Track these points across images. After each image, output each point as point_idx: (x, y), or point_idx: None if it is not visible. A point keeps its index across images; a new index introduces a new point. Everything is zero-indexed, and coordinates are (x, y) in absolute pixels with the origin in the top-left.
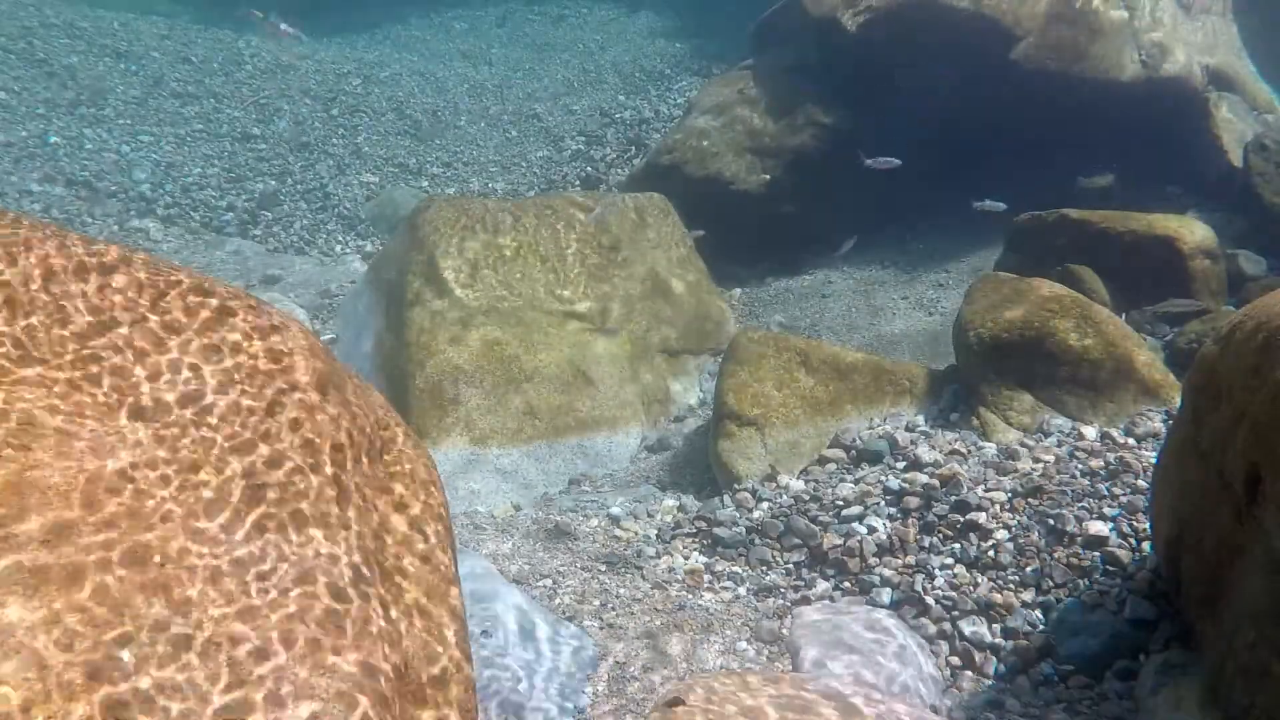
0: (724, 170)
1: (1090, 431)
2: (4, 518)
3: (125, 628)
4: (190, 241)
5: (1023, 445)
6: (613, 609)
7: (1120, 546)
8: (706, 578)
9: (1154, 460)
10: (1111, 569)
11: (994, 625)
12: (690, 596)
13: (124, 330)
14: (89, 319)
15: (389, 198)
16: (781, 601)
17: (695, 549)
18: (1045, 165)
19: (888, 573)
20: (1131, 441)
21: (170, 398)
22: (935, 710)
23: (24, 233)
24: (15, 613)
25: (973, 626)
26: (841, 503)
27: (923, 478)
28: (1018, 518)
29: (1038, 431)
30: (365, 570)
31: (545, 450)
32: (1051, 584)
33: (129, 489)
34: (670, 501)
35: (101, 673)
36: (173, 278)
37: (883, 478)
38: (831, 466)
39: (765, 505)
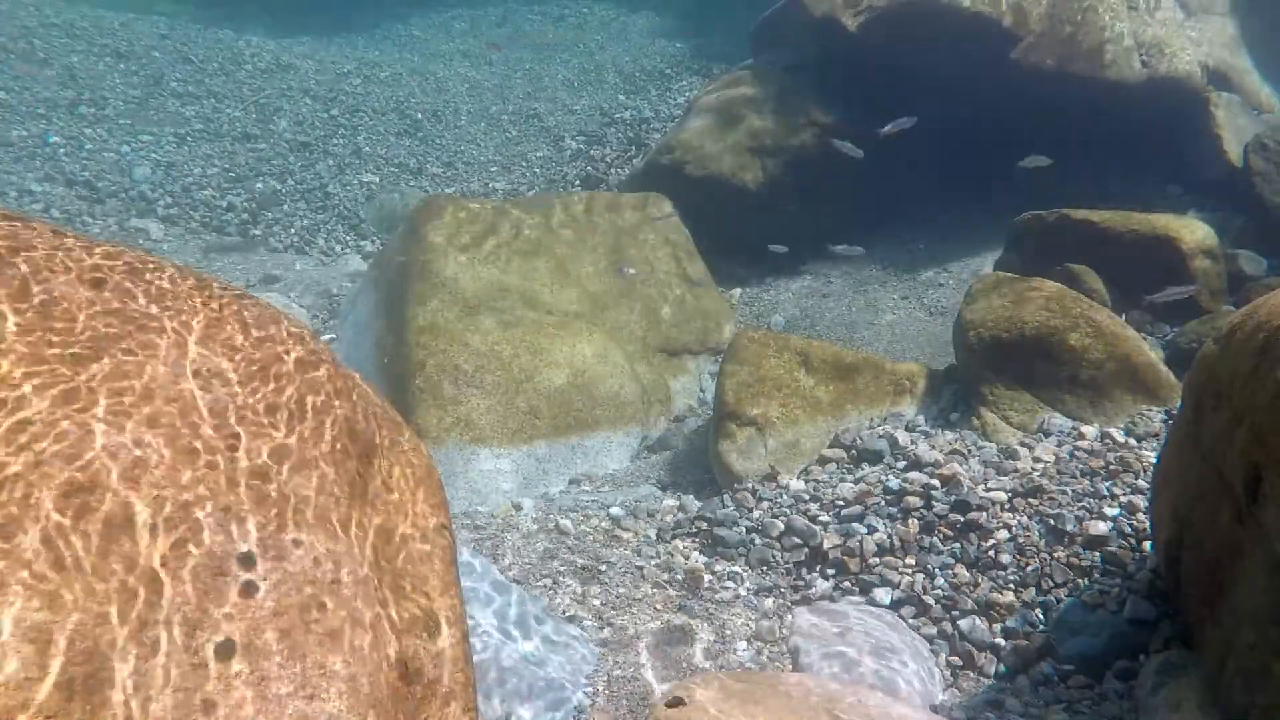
0: (724, 170)
1: (1090, 431)
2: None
3: (114, 621)
4: (190, 241)
5: (1023, 445)
6: (612, 609)
7: (1120, 546)
8: (706, 578)
9: (1154, 460)
10: (1111, 569)
11: (994, 625)
12: (690, 596)
13: (135, 326)
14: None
15: (389, 198)
16: (781, 601)
17: (695, 549)
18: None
19: (888, 572)
20: (1131, 441)
21: (177, 394)
22: (935, 710)
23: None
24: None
25: (973, 626)
26: (841, 502)
27: (923, 478)
28: (1018, 517)
29: (1038, 431)
30: (366, 571)
31: (545, 450)
32: (1051, 584)
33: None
34: (670, 501)
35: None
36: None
37: (883, 477)
38: (832, 466)
39: (765, 505)
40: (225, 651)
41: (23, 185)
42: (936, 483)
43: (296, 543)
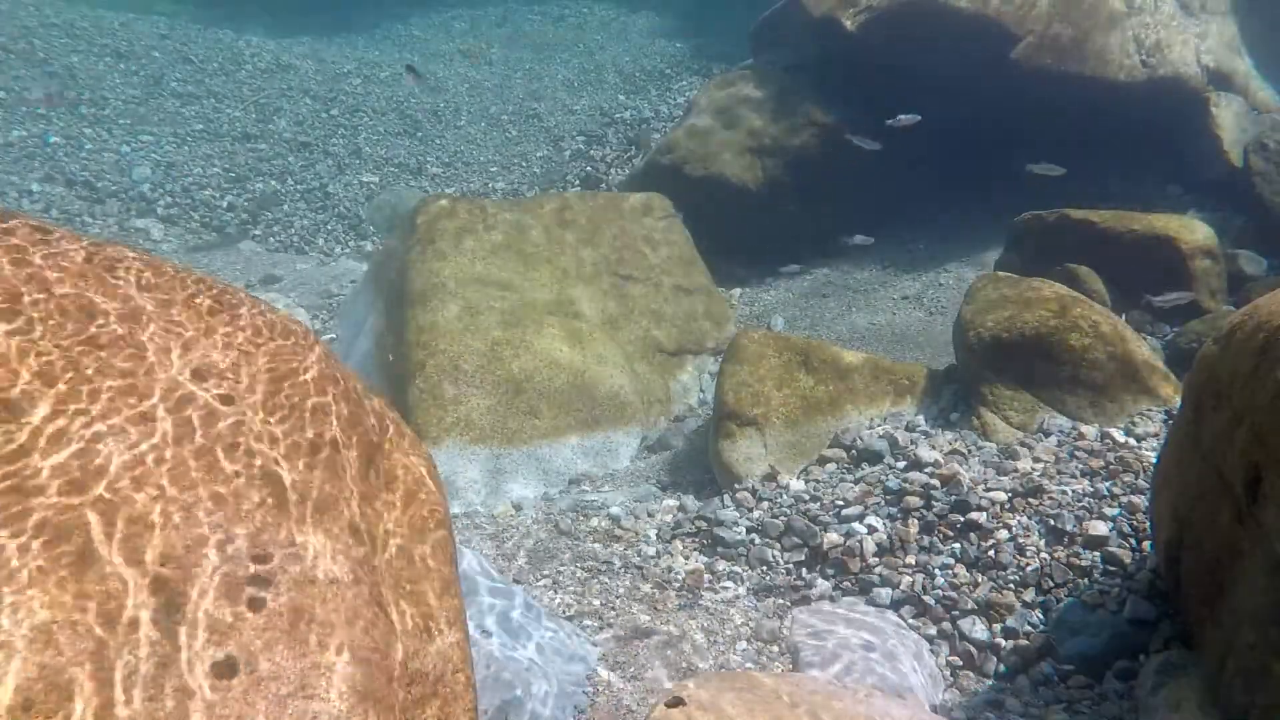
0: (724, 170)
1: (1090, 431)
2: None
3: (115, 621)
4: (190, 241)
5: (1023, 445)
6: (612, 609)
7: (1120, 546)
8: (706, 578)
9: (1154, 460)
10: (1111, 569)
11: (994, 625)
12: (690, 596)
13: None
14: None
15: (389, 198)
16: (781, 601)
17: (695, 549)
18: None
19: (888, 572)
20: (1131, 441)
21: (177, 395)
22: (935, 710)
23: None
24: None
25: (973, 626)
26: (841, 503)
27: (923, 478)
28: (1018, 518)
29: (1038, 431)
30: (365, 571)
31: (545, 450)
32: (1051, 584)
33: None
34: (670, 501)
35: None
36: (185, 277)
37: (883, 477)
38: (832, 466)
39: (765, 505)
40: (226, 652)
41: (23, 185)
42: (936, 483)
43: (296, 544)
